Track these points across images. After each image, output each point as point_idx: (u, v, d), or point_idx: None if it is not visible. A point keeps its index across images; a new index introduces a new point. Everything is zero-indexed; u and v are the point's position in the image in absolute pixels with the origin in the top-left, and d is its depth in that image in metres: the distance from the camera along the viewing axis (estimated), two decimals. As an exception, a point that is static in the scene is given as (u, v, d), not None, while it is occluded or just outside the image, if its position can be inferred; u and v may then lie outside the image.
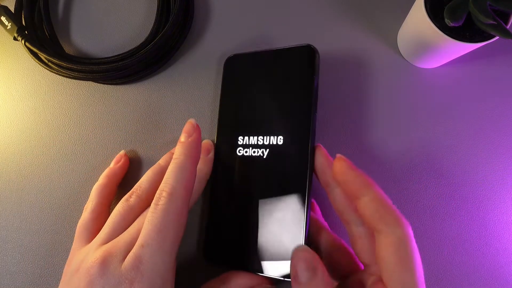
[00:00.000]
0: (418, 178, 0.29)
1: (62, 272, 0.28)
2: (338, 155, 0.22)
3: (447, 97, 0.31)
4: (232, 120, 0.28)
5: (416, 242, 0.28)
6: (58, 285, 0.23)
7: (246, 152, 0.26)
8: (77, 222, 0.27)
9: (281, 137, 0.25)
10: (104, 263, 0.20)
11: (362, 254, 0.22)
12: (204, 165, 0.27)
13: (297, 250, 0.19)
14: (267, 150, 0.26)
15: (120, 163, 0.29)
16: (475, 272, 0.28)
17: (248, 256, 0.24)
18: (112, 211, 0.25)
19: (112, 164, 0.29)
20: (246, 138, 0.27)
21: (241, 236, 0.25)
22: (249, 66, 0.29)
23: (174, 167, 0.22)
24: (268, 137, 0.26)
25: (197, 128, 0.24)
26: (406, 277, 0.18)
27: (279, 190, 0.24)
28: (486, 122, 0.30)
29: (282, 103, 0.26)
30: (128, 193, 0.25)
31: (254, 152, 0.26)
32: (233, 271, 0.24)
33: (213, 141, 0.29)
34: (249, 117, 0.27)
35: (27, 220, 0.29)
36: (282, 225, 0.24)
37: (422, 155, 0.30)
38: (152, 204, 0.21)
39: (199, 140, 0.23)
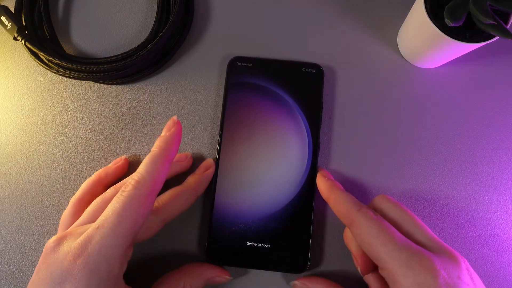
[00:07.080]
0: (418, 178, 0.29)
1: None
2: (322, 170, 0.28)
3: (447, 97, 0.31)
4: (237, 127, 0.29)
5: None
6: None
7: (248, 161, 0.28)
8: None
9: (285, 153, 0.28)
10: (60, 241, 0.21)
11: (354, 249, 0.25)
12: (198, 181, 0.27)
13: None
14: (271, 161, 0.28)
15: (116, 165, 0.29)
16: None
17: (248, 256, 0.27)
18: None
19: (110, 164, 0.29)
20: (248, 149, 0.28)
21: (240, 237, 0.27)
22: (256, 73, 0.30)
23: (148, 158, 0.22)
24: (272, 152, 0.28)
25: (177, 124, 0.24)
26: (395, 250, 0.21)
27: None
28: (486, 122, 0.30)
29: (285, 120, 0.28)
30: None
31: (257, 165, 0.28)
32: (193, 263, 0.26)
33: (214, 159, 0.29)
34: (252, 132, 0.28)
35: (27, 220, 0.29)
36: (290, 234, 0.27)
37: (421, 155, 0.30)
38: (119, 191, 0.21)
39: (176, 135, 0.24)
